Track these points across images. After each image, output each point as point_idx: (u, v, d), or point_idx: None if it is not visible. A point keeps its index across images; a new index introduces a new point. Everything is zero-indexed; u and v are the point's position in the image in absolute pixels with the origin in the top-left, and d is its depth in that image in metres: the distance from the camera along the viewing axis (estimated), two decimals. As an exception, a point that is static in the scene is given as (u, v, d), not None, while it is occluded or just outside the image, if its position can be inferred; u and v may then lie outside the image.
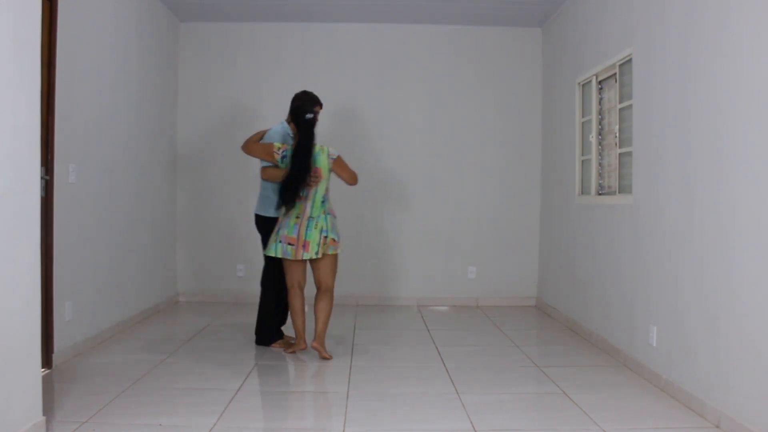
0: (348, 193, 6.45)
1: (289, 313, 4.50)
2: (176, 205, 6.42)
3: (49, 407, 3.06)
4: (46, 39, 3.70)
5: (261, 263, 6.39)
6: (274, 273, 4.52)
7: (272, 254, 4.22)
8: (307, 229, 4.17)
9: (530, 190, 6.51)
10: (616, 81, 4.59)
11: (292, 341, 4.57)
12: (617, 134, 4.55)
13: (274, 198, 4.40)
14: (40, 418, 2.76)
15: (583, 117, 5.32)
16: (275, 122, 6.42)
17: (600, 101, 4.97)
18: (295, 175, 4.15)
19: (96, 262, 4.52)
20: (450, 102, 6.50)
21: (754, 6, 2.86)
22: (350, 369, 4.02)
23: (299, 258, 4.17)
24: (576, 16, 5.41)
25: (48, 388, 3.38)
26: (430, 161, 6.51)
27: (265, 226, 4.49)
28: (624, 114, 4.48)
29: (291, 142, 4.37)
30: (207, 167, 6.49)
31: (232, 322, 5.44)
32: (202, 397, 3.42)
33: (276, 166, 4.31)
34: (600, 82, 4.95)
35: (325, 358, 4.23)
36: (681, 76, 3.51)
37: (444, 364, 4.15)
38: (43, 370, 3.48)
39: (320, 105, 4.46)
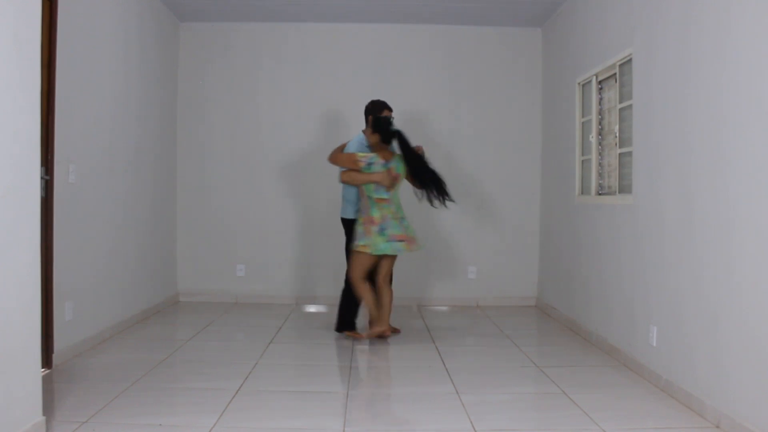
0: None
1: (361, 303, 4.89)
2: (176, 205, 6.42)
3: (49, 407, 3.06)
4: (46, 39, 3.70)
5: (261, 263, 6.44)
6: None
7: (383, 252, 4.68)
8: (407, 228, 4.80)
9: (530, 190, 6.51)
10: (616, 81, 4.59)
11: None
12: (617, 134, 4.55)
13: (353, 201, 4.95)
14: (40, 418, 2.76)
15: (583, 117, 5.32)
16: (275, 122, 6.42)
17: (600, 101, 4.97)
18: (436, 180, 4.82)
19: (96, 262, 4.53)
20: (450, 102, 6.50)
21: (754, 6, 2.86)
22: (350, 369, 4.02)
23: (412, 251, 4.85)
24: (576, 16, 5.41)
25: (48, 388, 3.38)
26: (429, 161, 6.48)
27: (347, 227, 5.02)
28: (624, 114, 4.48)
29: (367, 151, 4.86)
30: (207, 167, 6.49)
31: (232, 322, 5.44)
32: (202, 397, 3.42)
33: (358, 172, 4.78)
34: (600, 82, 4.95)
35: (397, 331, 5.05)
36: (681, 76, 3.51)
37: (444, 364, 4.15)
38: (43, 370, 3.47)
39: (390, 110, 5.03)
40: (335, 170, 6.49)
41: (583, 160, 5.31)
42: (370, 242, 4.66)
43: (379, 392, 3.56)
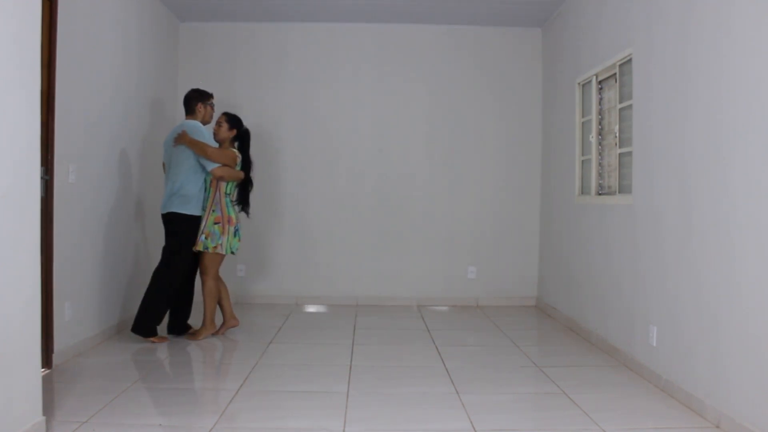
0: (348, 193, 6.46)
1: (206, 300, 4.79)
2: (176, 205, 6.41)
3: (49, 407, 3.06)
4: (46, 39, 3.70)
5: (260, 263, 6.43)
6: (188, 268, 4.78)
7: (228, 252, 4.70)
8: None
9: (530, 190, 6.51)
10: (616, 81, 4.59)
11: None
12: (617, 134, 4.55)
13: (196, 196, 4.68)
14: (40, 418, 2.76)
15: (583, 117, 5.32)
16: (275, 122, 6.40)
17: (600, 101, 4.97)
18: (250, 179, 4.92)
19: (96, 262, 4.52)
20: (450, 102, 6.50)
21: (754, 6, 2.86)
22: (350, 369, 4.02)
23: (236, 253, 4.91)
24: (576, 17, 5.41)
25: (48, 388, 3.38)
26: (430, 161, 6.51)
27: (185, 224, 4.67)
28: (624, 114, 4.48)
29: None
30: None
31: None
32: (202, 397, 3.42)
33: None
34: (600, 82, 4.95)
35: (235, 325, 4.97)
36: (681, 76, 3.52)
37: (444, 364, 4.15)
38: (43, 370, 3.47)
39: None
40: (334, 171, 6.53)
41: (583, 160, 5.31)
42: (224, 242, 4.65)
43: (379, 392, 3.56)
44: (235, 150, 4.82)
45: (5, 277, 2.53)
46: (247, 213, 4.95)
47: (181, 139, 4.65)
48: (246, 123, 6.40)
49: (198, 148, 4.61)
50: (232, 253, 4.75)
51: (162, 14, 5.89)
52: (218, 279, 4.82)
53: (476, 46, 6.49)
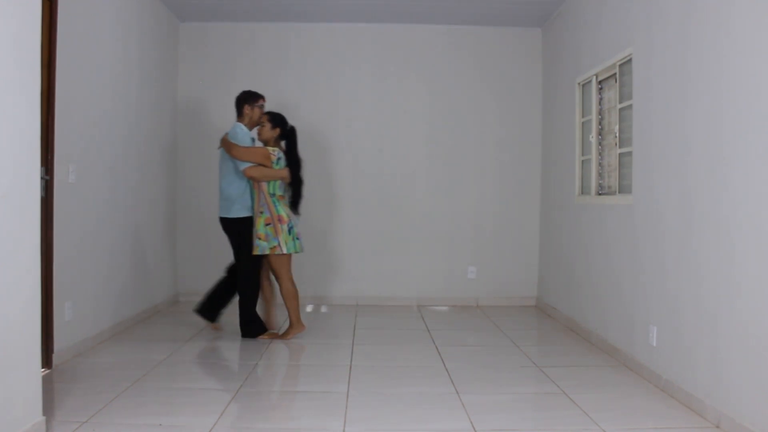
0: (348, 193, 6.46)
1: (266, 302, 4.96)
2: (176, 205, 6.42)
3: (49, 407, 3.06)
4: (46, 39, 3.70)
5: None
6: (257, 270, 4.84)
7: (293, 251, 4.67)
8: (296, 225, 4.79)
9: (530, 190, 6.51)
10: (616, 81, 4.59)
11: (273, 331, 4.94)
12: (617, 134, 4.55)
13: (238, 199, 4.72)
14: (40, 418, 2.76)
15: (583, 117, 5.32)
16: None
17: (600, 101, 4.97)
18: (300, 178, 4.76)
19: (96, 262, 4.52)
20: (450, 102, 6.50)
21: (754, 6, 2.86)
22: (350, 369, 4.02)
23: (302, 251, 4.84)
24: (576, 17, 5.41)
25: (48, 388, 3.38)
26: (430, 161, 6.51)
27: (238, 228, 4.75)
28: (624, 114, 4.48)
29: (252, 143, 4.83)
30: (207, 167, 6.48)
31: (232, 322, 5.43)
32: (202, 397, 3.43)
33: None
34: (600, 82, 4.95)
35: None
36: (681, 76, 3.51)
37: (444, 364, 4.15)
38: (43, 370, 3.47)
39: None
40: (334, 171, 6.53)
41: (583, 160, 5.31)
42: (280, 242, 4.60)
43: (379, 392, 3.55)
44: (267, 147, 4.68)
45: (5, 277, 2.53)
46: (295, 212, 4.76)
47: (221, 143, 4.75)
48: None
49: (228, 150, 4.66)
50: (295, 251, 4.68)
51: (162, 14, 5.89)
52: (290, 280, 4.76)
53: (476, 46, 6.49)
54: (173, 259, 6.35)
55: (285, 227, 4.61)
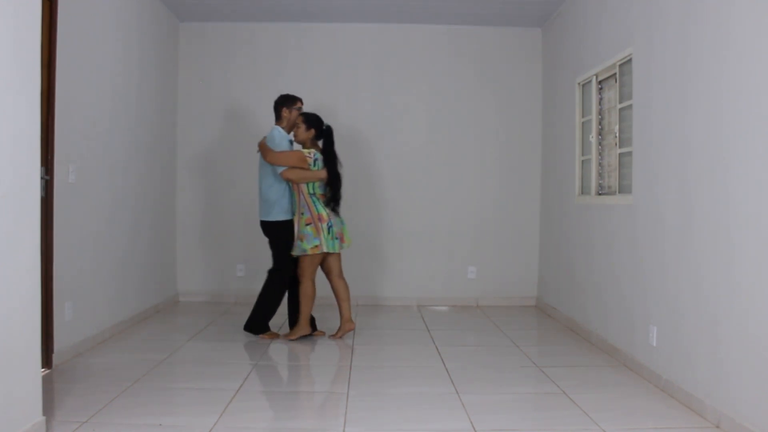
0: (348, 193, 6.45)
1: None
2: (176, 205, 6.42)
3: (49, 407, 3.06)
4: (46, 39, 3.70)
5: (260, 263, 6.42)
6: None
7: (332, 250, 4.69)
8: (342, 224, 4.82)
9: (530, 190, 6.51)
10: (616, 81, 4.59)
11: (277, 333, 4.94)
12: (617, 134, 4.55)
13: (278, 201, 4.75)
14: (40, 418, 2.76)
15: (583, 117, 5.32)
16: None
17: (600, 101, 4.97)
18: (338, 176, 4.77)
19: (96, 262, 4.52)
20: (450, 102, 6.50)
21: (754, 6, 2.85)
22: (350, 369, 4.02)
23: (344, 248, 4.85)
24: (576, 16, 5.41)
25: (48, 388, 3.38)
26: (430, 161, 6.51)
27: (279, 230, 4.80)
28: (624, 114, 4.48)
29: (291, 146, 4.84)
30: (207, 167, 6.49)
31: (232, 322, 5.44)
32: (202, 397, 3.42)
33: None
34: (600, 82, 4.95)
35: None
36: (681, 76, 3.51)
37: (444, 364, 4.15)
38: (43, 370, 3.47)
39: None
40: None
41: (583, 160, 5.31)
42: (321, 241, 4.64)
43: (379, 392, 3.55)
44: (303, 150, 4.71)
45: (5, 277, 2.53)
46: (335, 211, 4.76)
47: (259, 147, 4.81)
48: (245, 123, 6.45)
49: (264, 156, 4.72)
50: (334, 250, 4.70)
51: (162, 14, 5.89)
52: (340, 278, 4.85)
53: (476, 46, 6.49)
54: (173, 259, 6.36)
55: (324, 226, 4.65)
